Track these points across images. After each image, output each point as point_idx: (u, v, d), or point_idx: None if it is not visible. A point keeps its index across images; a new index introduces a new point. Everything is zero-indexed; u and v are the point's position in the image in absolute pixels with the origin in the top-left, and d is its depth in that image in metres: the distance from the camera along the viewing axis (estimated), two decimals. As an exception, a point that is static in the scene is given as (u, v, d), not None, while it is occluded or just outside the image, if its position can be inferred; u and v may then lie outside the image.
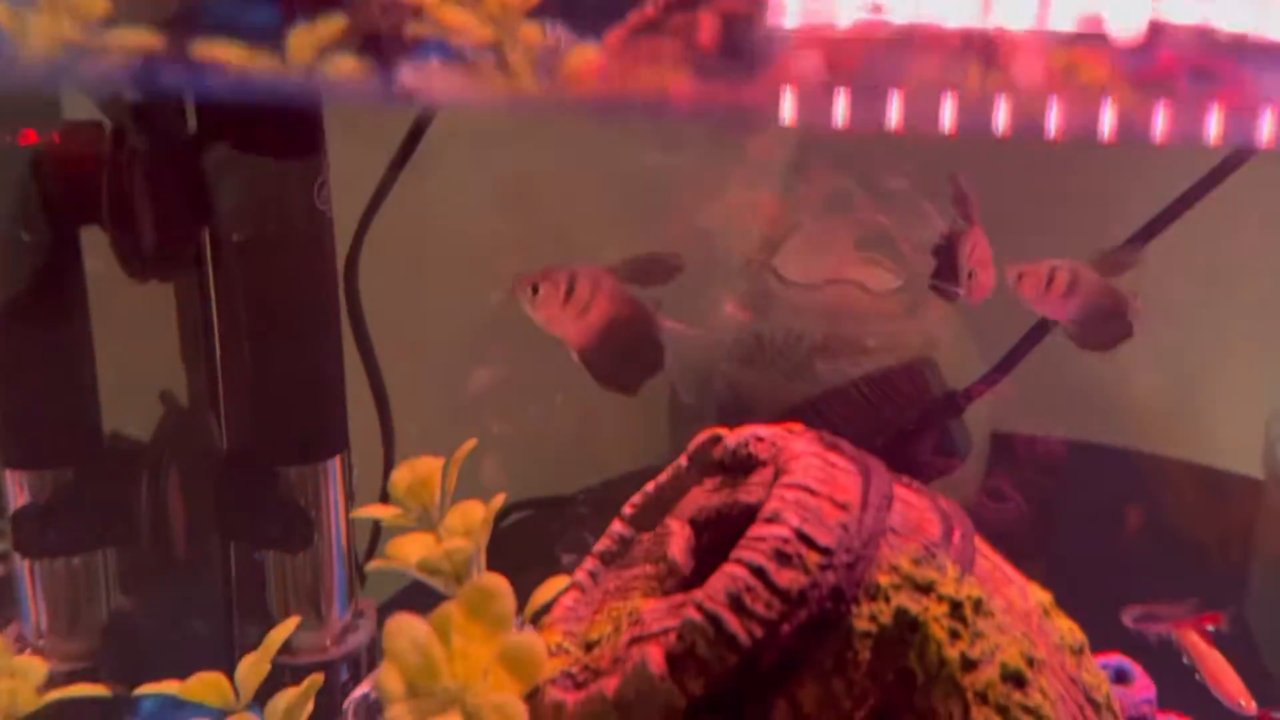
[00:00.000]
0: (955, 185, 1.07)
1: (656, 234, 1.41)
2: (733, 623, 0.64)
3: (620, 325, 0.90)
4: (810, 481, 0.70)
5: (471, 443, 0.81)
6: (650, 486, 0.84)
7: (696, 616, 0.65)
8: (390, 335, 1.35)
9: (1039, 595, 0.75)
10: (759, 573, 0.65)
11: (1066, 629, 0.75)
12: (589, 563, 0.83)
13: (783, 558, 0.66)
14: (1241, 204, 1.39)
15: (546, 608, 0.80)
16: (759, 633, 0.64)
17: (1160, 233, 1.10)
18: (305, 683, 0.82)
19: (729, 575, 0.66)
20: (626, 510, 0.84)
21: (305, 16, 0.76)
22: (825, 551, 0.66)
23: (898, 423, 1.23)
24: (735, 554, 0.67)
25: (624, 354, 0.92)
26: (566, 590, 0.81)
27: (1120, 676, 0.87)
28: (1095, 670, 0.75)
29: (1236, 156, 1.09)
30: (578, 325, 0.89)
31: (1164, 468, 1.50)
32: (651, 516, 0.82)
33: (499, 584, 0.67)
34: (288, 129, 0.94)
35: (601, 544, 0.83)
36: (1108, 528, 1.39)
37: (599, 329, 0.90)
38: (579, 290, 0.89)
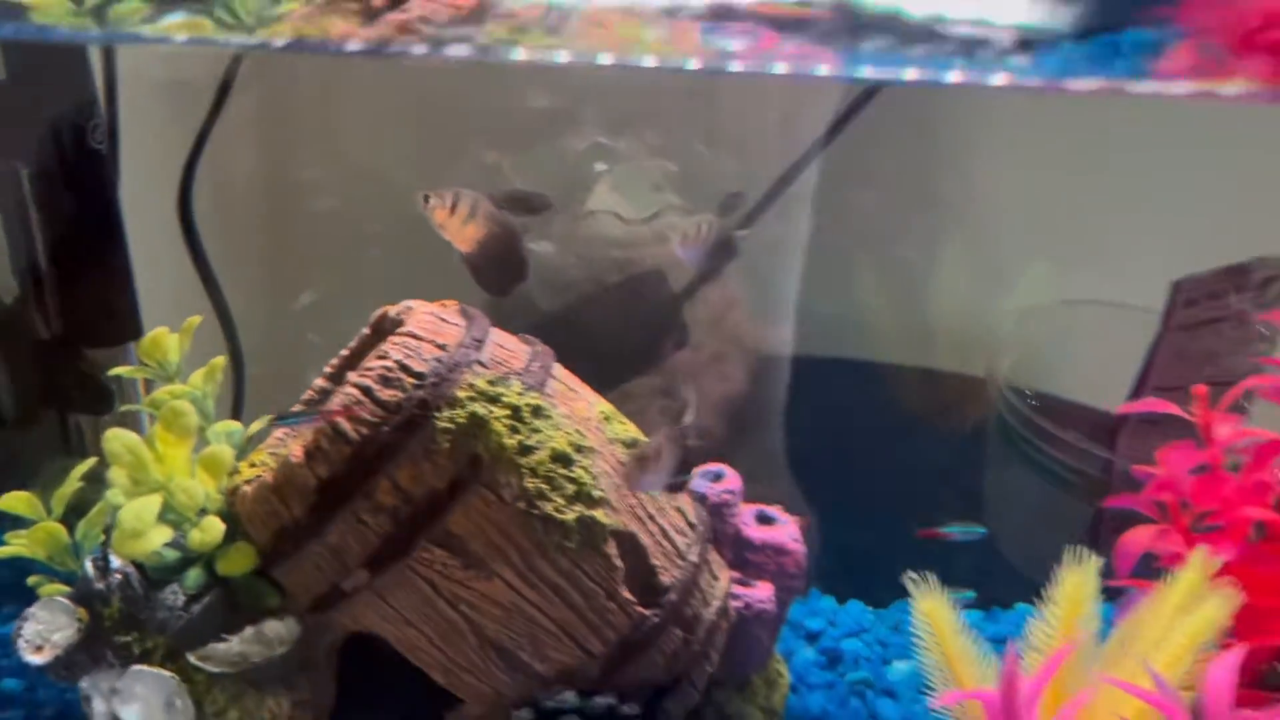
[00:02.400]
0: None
1: (451, 174, 1.65)
2: (345, 425, 0.92)
3: (493, 239, 1.08)
4: (418, 330, 0.98)
5: (197, 319, 1.07)
6: (345, 350, 1.11)
7: (321, 423, 0.93)
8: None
9: (602, 407, 1.03)
10: (366, 390, 0.93)
11: (622, 430, 1.03)
12: (298, 408, 1.10)
13: (386, 380, 0.93)
14: (969, 135, 1.64)
15: (261, 435, 1.07)
16: (365, 431, 0.92)
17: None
18: (99, 504, 1.09)
19: (345, 393, 0.93)
20: (327, 369, 1.10)
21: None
22: (419, 376, 0.94)
23: (634, 318, 1.57)
24: (351, 378, 0.95)
25: (497, 261, 1.12)
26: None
27: (716, 477, 1.15)
28: (645, 460, 1.03)
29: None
30: (461, 234, 1.07)
31: (897, 374, 1.77)
32: (345, 372, 1.09)
33: (186, 406, 0.95)
34: (64, 83, 1.19)
35: (307, 394, 1.10)
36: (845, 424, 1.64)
37: (477, 240, 1.07)
38: (460, 206, 1.11)
